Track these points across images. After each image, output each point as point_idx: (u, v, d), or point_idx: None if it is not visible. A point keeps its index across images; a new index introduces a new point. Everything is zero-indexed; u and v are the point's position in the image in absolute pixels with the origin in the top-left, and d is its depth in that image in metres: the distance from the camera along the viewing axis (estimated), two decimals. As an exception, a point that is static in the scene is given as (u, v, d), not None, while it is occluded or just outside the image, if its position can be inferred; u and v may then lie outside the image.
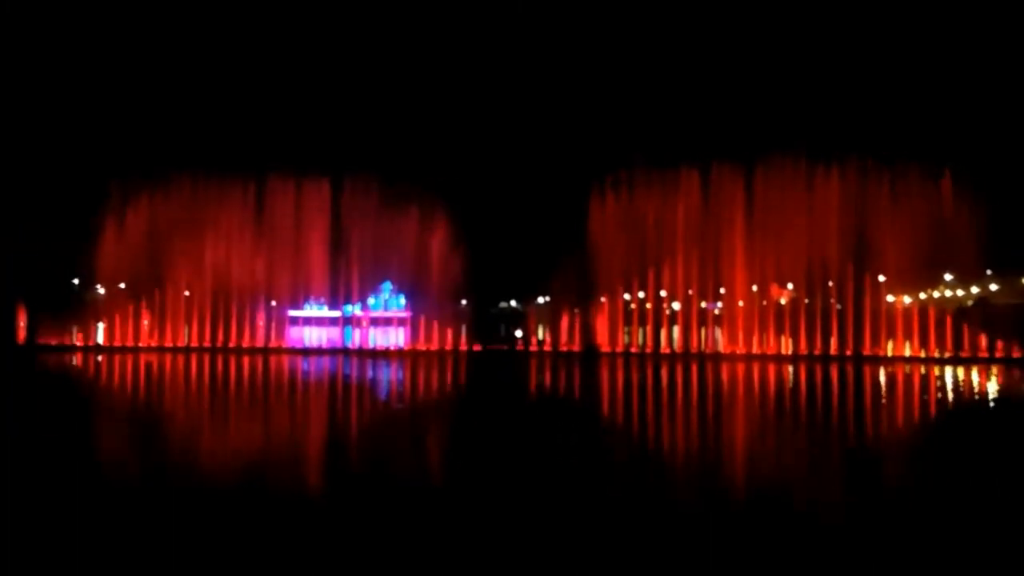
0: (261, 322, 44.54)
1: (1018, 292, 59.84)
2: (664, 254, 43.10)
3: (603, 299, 43.52)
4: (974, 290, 59.65)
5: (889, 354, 39.94)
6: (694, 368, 35.38)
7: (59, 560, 8.48)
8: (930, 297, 51.04)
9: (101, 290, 46.97)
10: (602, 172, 44.70)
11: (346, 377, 30.49)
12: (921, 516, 10.47)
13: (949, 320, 40.17)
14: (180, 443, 16.02)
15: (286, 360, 37.99)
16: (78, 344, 43.00)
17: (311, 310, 51.96)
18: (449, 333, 43.19)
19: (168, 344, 43.40)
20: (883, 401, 24.17)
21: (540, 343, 43.94)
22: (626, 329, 43.72)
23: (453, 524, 9.86)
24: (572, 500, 11.02)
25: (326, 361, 38.14)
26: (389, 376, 31.05)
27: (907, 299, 42.67)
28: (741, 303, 42.87)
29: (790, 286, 44.75)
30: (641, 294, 44.21)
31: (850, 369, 35.31)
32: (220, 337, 43.77)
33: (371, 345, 44.80)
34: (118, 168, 46.61)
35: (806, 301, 42.79)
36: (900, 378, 31.56)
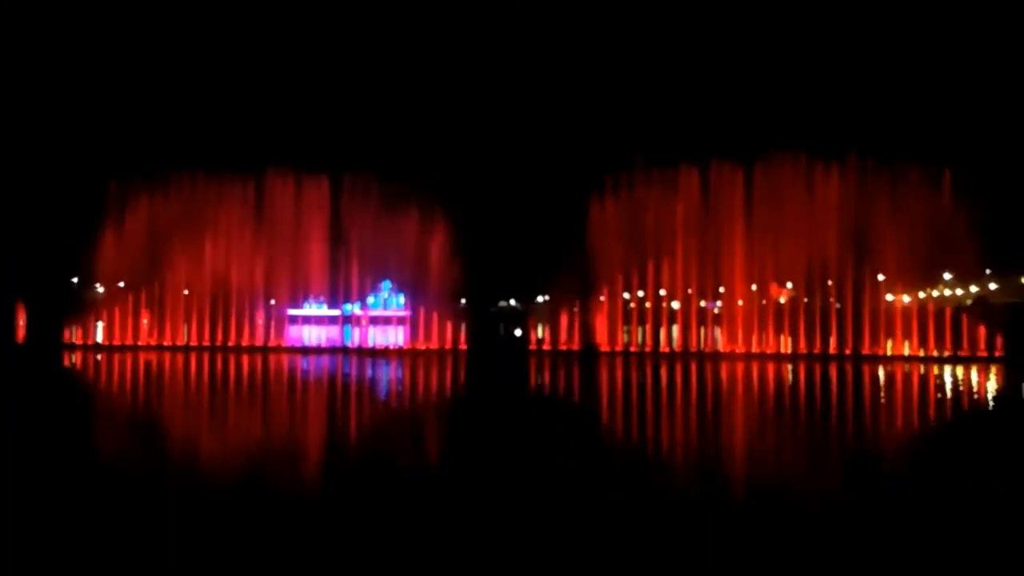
0: (260, 321, 44.53)
1: (1017, 291, 59.88)
2: (663, 253, 43.09)
3: (602, 298, 43.51)
4: (973, 289, 59.71)
5: (888, 353, 39.96)
6: (693, 367, 35.39)
7: (59, 557, 8.49)
8: (929, 296, 51.06)
9: (100, 289, 46.96)
10: (601, 171, 44.73)
11: (345, 376, 30.51)
12: (920, 515, 10.48)
13: (948, 319, 40.18)
14: (181, 440, 16.05)
15: (285, 359, 37.99)
16: (77, 343, 42.99)
17: (310, 309, 51.98)
18: (448, 332, 43.20)
19: (167, 343, 43.41)
20: (882, 400, 24.18)
21: (539, 342, 43.94)
22: (625, 328, 43.71)
23: (450, 523, 9.86)
24: (569, 498, 11.02)
25: (325, 360, 38.15)
26: (388, 375, 31.06)
27: (906, 298, 42.66)
28: (740, 302, 42.87)
29: (789, 285, 44.76)
30: (640, 293, 44.22)
31: (849, 368, 35.32)
32: (219, 336, 43.77)
33: (370, 344, 44.81)
34: (117, 167, 46.65)
35: (805, 300, 42.80)
36: (899, 377, 31.58)
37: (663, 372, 33.25)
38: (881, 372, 33.19)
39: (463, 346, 42.62)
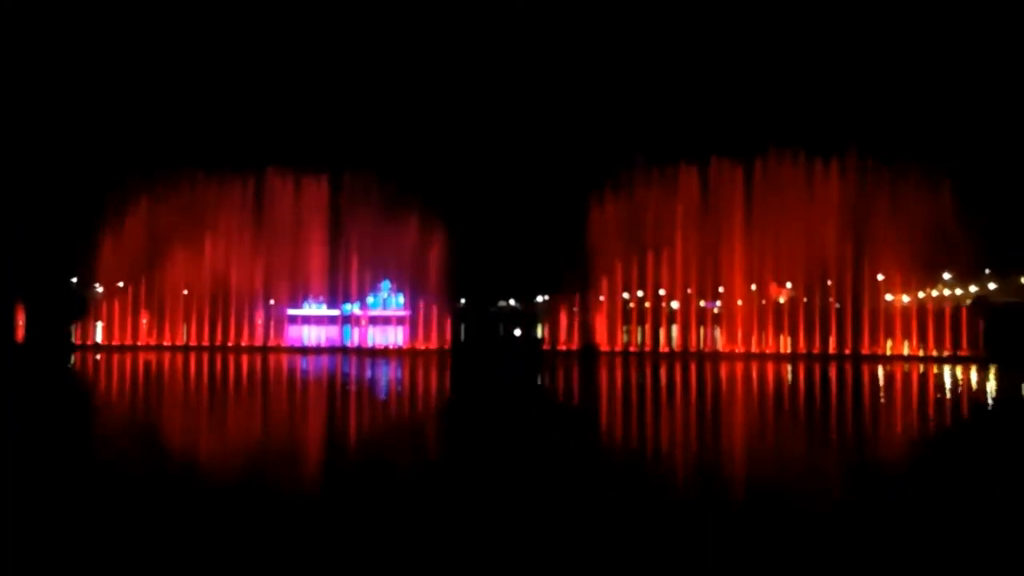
0: (260, 321, 44.52)
1: (1017, 291, 59.89)
2: (663, 252, 43.07)
3: (602, 298, 43.50)
4: (973, 289, 59.73)
5: (888, 353, 39.96)
6: (693, 367, 35.38)
7: (59, 556, 8.49)
8: (929, 296, 51.04)
9: (99, 288, 46.94)
10: (601, 170, 44.74)
11: (345, 376, 30.52)
12: (920, 515, 10.47)
13: (948, 319, 40.17)
14: (180, 440, 16.06)
15: (285, 359, 38.00)
16: (75, 343, 42.98)
17: (310, 309, 51.97)
18: (448, 331, 43.19)
19: (167, 343, 43.40)
20: (881, 399, 24.17)
21: (540, 341, 43.92)
22: (625, 328, 43.69)
23: (446, 522, 9.86)
24: (566, 496, 11.02)
25: (325, 360, 38.15)
26: (388, 375, 31.07)
27: (906, 298, 42.65)
28: (740, 302, 42.86)
29: (789, 285, 44.74)
30: (640, 293, 44.20)
31: (848, 368, 35.32)
32: (219, 336, 43.76)
33: (370, 344, 44.80)
34: (116, 166, 46.67)
35: (805, 300, 42.78)
36: (899, 377, 31.58)
37: (663, 372, 33.25)
38: (880, 372, 33.19)
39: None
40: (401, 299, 51.85)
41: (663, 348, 42.56)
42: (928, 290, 51.53)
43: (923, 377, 31.22)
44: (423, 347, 42.97)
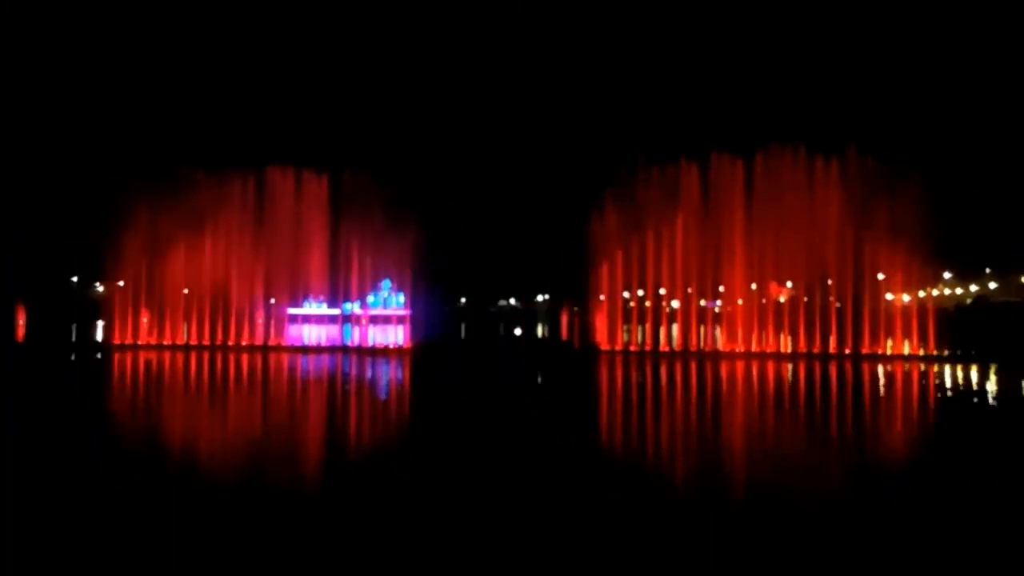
0: (260, 320, 44.52)
1: (1017, 291, 59.88)
2: (663, 252, 43.06)
3: (602, 297, 43.50)
4: (973, 289, 59.74)
5: (888, 352, 39.96)
6: (693, 366, 35.39)
7: (59, 556, 8.49)
8: (929, 295, 51.03)
9: (100, 288, 46.94)
10: (601, 169, 44.74)
11: (345, 375, 30.53)
12: (919, 514, 10.47)
13: (948, 318, 40.18)
14: (180, 439, 16.07)
15: (285, 358, 38.02)
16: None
17: (310, 308, 51.96)
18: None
19: (167, 342, 43.40)
20: (881, 399, 24.17)
21: (539, 341, 43.93)
22: (625, 327, 43.70)
23: (444, 521, 9.86)
24: (565, 495, 11.02)
25: (325, 359, 38.16)
26: (388, 374, 31.08)
27: (906, 297, 42.63)
28: (740, 301, 42.85)
29: (789, 284, 44.72)
30: (640, 292, 44.19)
31: (849, 367, 35.33)
32: (219, 335, 43.76)
33: (370, 343, 44.82)
34: (116, 165, 46.67)
35: (805, 299, 42.76)
36: (899, 376, 31.58)
37: (663, 371, 33.25)
38: (881, 371, 33.19)
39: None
40: (401, 298, 51.85)
41: (663, 347, 42.56)
42: (928, 290, 51.53)
43: (923, 376, 31.22)
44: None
